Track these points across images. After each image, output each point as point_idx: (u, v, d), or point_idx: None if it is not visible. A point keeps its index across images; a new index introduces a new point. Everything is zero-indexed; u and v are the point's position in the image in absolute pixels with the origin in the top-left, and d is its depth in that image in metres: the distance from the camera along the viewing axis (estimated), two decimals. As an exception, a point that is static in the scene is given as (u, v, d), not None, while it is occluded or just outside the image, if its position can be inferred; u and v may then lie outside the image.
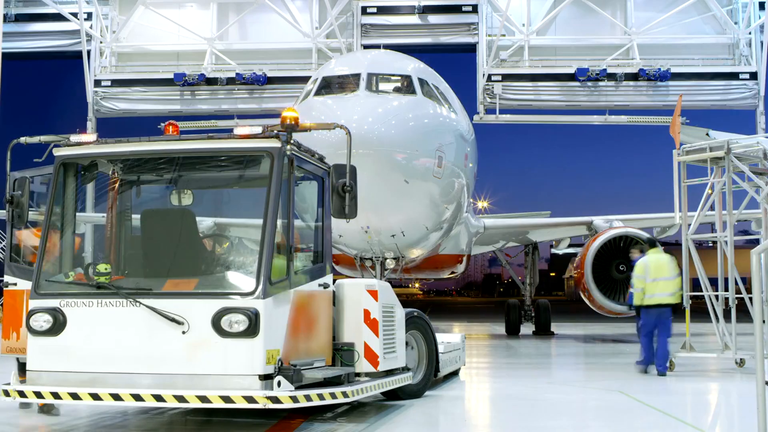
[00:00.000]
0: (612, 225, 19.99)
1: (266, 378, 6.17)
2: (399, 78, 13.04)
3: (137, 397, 6.17)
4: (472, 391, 10.79)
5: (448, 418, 8.45)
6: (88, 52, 29.12)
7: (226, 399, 6.03)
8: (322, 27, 28.81)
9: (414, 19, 28.96)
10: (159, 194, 7.89)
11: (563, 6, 27.92)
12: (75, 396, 6.24)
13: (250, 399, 6.03)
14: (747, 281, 11.23)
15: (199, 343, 6.19)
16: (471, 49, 29.13)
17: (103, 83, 29.24)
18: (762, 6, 27.86)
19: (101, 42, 29.53)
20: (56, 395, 6.27)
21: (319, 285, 7.15)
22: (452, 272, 22.92)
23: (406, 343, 8.52)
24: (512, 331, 23.03)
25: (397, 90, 12.83)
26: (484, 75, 28.17)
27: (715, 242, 13.26)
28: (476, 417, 8.64)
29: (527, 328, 23.84)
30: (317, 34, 28.69)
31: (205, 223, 9.15)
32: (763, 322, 8.97)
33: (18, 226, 7.59)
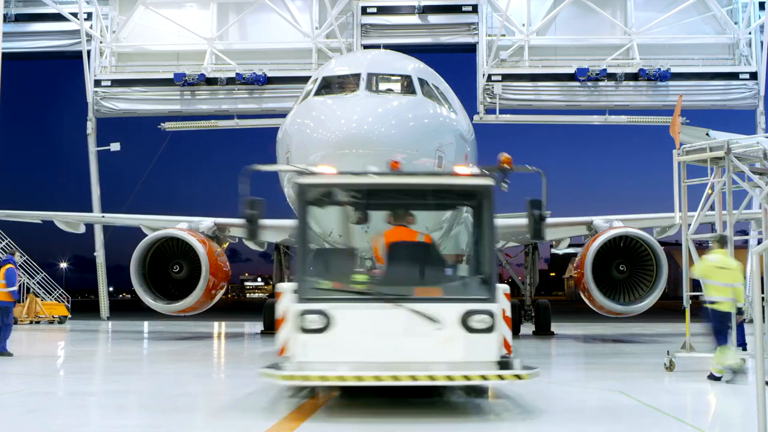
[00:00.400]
0: (612, 225, 19.97)
1: (501, 364, 7.67)
2: (399, 78, 13.05)
3: (410, 377, 7.36)
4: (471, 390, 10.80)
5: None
6: (88, 52, 29.14)
7: (477, 376, 7.56)
8: (322, 27, 28.82)
9: (414, 19, 28.97)
10: (388, 216, 9.08)
11: (563, 6, 27.93)
12: (343, 378, 7.51)
13: (497, 377, 7.62)
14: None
15: (451, 337, 7.58)
16: (471, 49, 29.14)
17: (103, 83, 29.25)
18: (762, 6, 27.88)
19: (101, 42, 29.54)
20: (333, 378, 7.54)
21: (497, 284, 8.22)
22: None
23: None
24: (512, 332, 22.75)
25: (397, 90, 12.88)
26: (484, 75, 28.19)
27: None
28: (476, 417, 8.63)
29: (527, 328, 23.79)
30: (317, 34, 28.70)
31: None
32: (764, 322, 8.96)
33: (253, 240, 8.70)
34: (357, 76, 12.54)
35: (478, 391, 9.31)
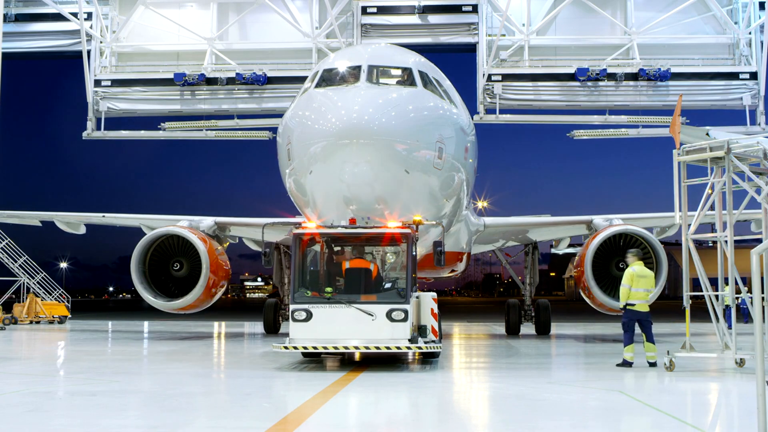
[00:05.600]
0: (612, 223, 19.98)
1: (411, 340, 11.94)
2: (400, 70, 13.10)
3: (354, 347, 12.02)
4: (472, 388, 10.81)
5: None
6: (88, 52, 29.10)
7: (395, 347, 11.94)
8: (322, 27, 28.79)
9: (414, 19, 28.93)
10: (350, 252, 13.35)
11: (563, 6, 27.90)
12: (316, 348, 12.10)
13: (406, 348, 11.93)
14: (747, 281, 11.22)
15: (381, 325, 11.90)
16: (471, 49, 29.10)
17: (103, 83, 29.21)
18: (762, 6, 27.84)
19: (101, 42, 29.51)
20: (311, 348, 12.10)
21: (416, 297, 12.60)
22: (453, 270, 23.25)
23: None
24: (512, 332, 22.93)
25: (397, 82, 12.96)
26: (484, 75, 28.15)
27: (715, 242, 13.26)
28: (476, 417, 8.64)
29: (527, 329, 23.85)
30: (317, 34, 28.68)
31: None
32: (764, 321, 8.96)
33: (266, 266, 14.28)
34: (357, 68, 12.63)
35: (426, 360, 13.80)
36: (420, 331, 12.34)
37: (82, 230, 27.30)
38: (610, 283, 18.83)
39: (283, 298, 23.81)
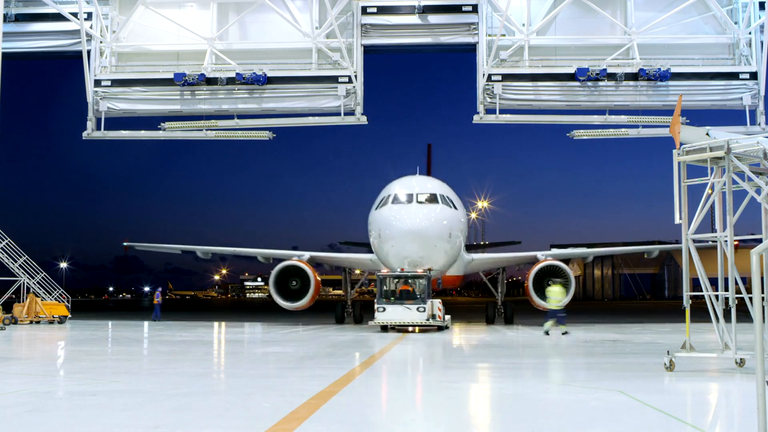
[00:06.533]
0: (545, 258, 30.70)
1: (427, 320, 24.41)
2: (429, 195, 26.84)
3: (404, 323, 24.94)
4: (471, 384, 10.84)
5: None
6: (88, 52, 29.10)
7: (419, 322, 24.58)
8: (322, 27, 28.78)
9: (414, 19, 28.93)
10: (402, 281, 26.18)
11: (563, 6, 27.90)
12: (387, 324, 24.99)
13: (425, 322, 24.62)
14: (747, 281, 11.22)
15: (414, 313, 24.36)
16: (471, 49, 29.10)
17: (103, 83, 29.21)
18: (762, 6, 27.82)
19: (101, 42, 29.50)
20: (385, 323, 24.83)
21: (429, 301, 24.76)
22: (454, 285, 40.48)
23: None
24: (489, 322, 31.97)
25: (427, 200, 26.55)
26: (484, 75, 28.16)
27: (715, 242, 13.26)
28: (476, 417, 8.64)
29: (500, 321, 32.74)
30: (317, 34, 28.67)
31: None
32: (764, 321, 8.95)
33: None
34: (411, 195, 26.52)
35: (439, 330, 24.99)
36: (432, 316, 24.65)
37: (209, 256, 37.05)
38: (542, 293, 28.15)
39: (346, 302, 34.70)
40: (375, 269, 28.47)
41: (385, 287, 25.51)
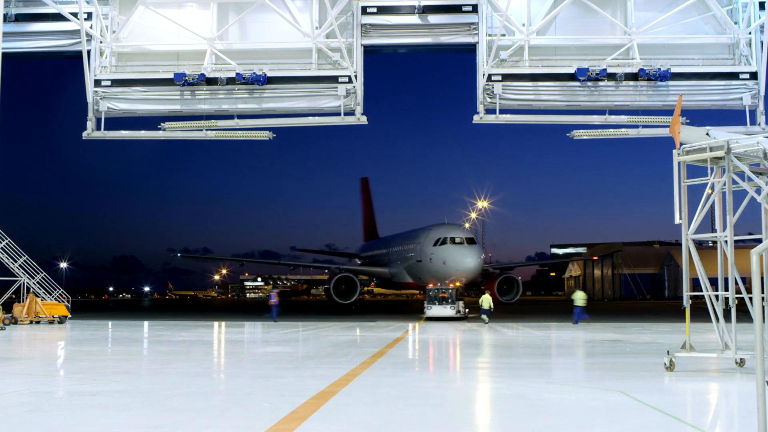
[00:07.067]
0: (504, 273, 54.00)
1: (456, 313, 37.00)
2: (467, 239, 47.00)
3: (441, 316, 37.52)
4: (472, 386, 10.84)
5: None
6: (88, 52, 29.08)
7: (450, 315, 37.36)
8: (322, 27, 28.77)
9: (414, 19, 28.91)
10: (440, 290, 39.51)
11: (563, 6, 27.88)
12: (431, 317, 37.96)
13: (454, 315, 37.11)
14: (747, 281, 11.23)
15: (449, 310, 37.03)
16: (471, 49, 29.08)
17: (103, 83, 29.19)
18: (762, 6, 27.79)
19: (101, 42, 29.48)
20: (430, 317, 37.62)
21: (459, 302, 38.09)
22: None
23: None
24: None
25: (467, 242, 46.73)
26: (484, 75, 28.14)
27: (715, 242, 13.27)
28: (476, 417, 8.65)
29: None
30: (317, 34, 28.67)
31: None
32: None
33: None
34: (453, 238, 46.64)
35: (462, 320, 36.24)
36: (458, 311, 36.26)
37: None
38: (502, 292, 49.73)
39: (357, 301, 51.80)
40: (392, 279, 58.31)
41: (431, 294, 38.00)
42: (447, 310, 36.66)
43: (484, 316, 33.67)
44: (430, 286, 38.87)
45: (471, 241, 46.82)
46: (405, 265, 54.94)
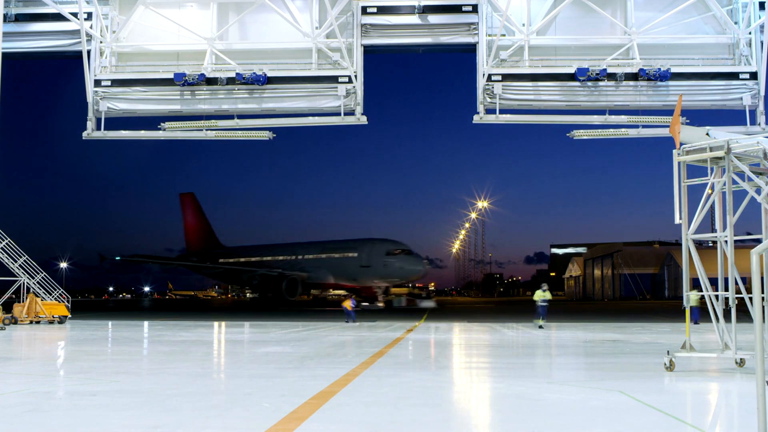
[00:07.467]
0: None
1: None
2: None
3: None
4: (472, 386, 10.84)
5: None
6: (88, 52, 29.10)
7: None
8: (322, 27, 28.78)
9: (414, 19, 28.92)
10: None
11: (563, 6, 27.89)
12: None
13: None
14: (747, 281, 11.23)
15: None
16: (471, 49, 29.09)
17: (103, 83, 29.20)
18: (762, 6, 27.81)
19: (101, 42, 29.50)
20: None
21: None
22: None
23: None
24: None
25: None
26: (484, 75, 28.15)
27: (715, 242, 13.26)
28: (476, 417, 8.65)
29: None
30: (317, 34, 28.67)
31: None
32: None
33: None
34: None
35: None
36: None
37: None
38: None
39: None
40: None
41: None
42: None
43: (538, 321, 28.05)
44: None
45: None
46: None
